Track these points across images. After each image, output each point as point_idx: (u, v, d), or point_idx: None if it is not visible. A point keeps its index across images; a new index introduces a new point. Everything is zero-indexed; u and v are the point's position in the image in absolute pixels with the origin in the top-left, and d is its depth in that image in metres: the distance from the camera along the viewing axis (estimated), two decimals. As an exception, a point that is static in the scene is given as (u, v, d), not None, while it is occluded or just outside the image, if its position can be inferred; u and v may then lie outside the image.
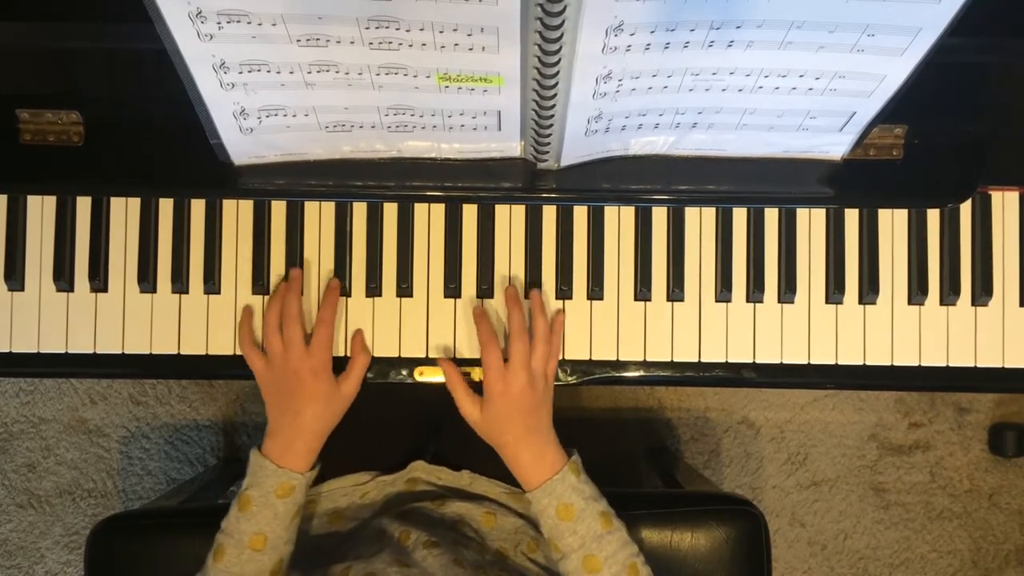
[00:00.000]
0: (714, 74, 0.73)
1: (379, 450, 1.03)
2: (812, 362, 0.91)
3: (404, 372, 0.91)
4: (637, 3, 0.63)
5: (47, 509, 1.61)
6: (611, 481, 0.89)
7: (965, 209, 0.92)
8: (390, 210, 0.91)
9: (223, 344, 0.90)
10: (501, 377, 0.84)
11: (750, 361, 0.91)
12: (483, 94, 0.74)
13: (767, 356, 0.91)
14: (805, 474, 1.64)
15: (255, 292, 0.90)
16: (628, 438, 1.62)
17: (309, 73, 0.72)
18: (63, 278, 0.90)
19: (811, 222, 0.92)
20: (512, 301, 0.87)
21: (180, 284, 0.90)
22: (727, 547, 0.98)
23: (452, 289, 0.91)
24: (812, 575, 1.65)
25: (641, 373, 0.91)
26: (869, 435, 1.64)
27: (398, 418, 1.14)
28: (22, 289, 0.90)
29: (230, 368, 0.90)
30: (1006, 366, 0.91)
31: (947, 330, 0.91)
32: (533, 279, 0.91)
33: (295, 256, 0.90)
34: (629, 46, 0.67)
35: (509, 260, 0.91)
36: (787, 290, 0.91)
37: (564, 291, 0.91)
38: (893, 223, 0.92)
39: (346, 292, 0.90)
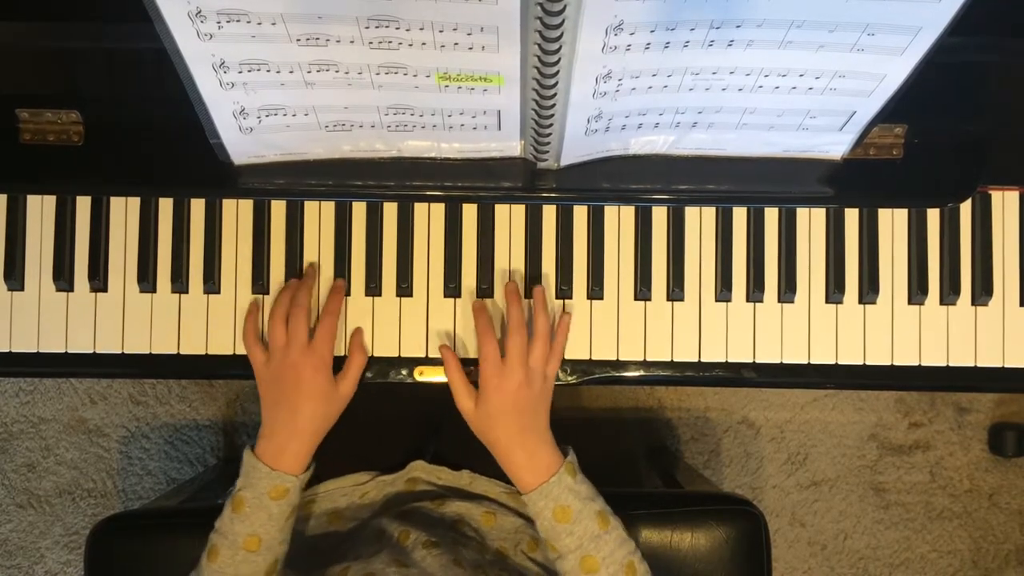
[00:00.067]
0: (714, 73, 0.73)
1: (379, 450, 1.03)
2: (812, 362, 0.91)
3: (404, 372, 0.90)
4: (637, 2, 0.63)
5: (47, 509, 1.61)
6: (611, 481, 0.89)
7: (965, 209, 0.92)
8: (390, 210, 0.91)
9: (223, 344, 0.90)
10: (497, 371, 0.83)
11: (750, 361, 0.91)
12: (483, 93, 0.74)
13: (767, 356, 0.91)
14: (805, 474, 1.64)
15: (255, 292, 0.90)
16: (628, 438, 1.62)
17: (309, 72, 0.72)
18: (63, 278, 0.90)
19: (811, 222, 0.92)
20: (512, 296, 0.86)
21: (180, 284, 0.90)
22: (727, 547, 0.98)
23: (452, 289, 0.90)
24: (812, 575, 1.65)
25: (641, 373, 0.91)
26: (869, 435, 1.63)
27: (398, 418, 1.14)
28: (22, 289, 0.90)
29: (230, 368, 0.90)
30: (1006, 366, 0.91)
31: (947, 330, 0.91)
32: (533, 278, 0.90)
33: (295, 256, 0.90)
34: (629, 45, 0.67)
35: (509, 259, 0.91)
36: (787, 290, 0.91)
37: (564, 291, 0.91)
38: (893, 223, 0.92)
39: (346, 291, 0.90)
